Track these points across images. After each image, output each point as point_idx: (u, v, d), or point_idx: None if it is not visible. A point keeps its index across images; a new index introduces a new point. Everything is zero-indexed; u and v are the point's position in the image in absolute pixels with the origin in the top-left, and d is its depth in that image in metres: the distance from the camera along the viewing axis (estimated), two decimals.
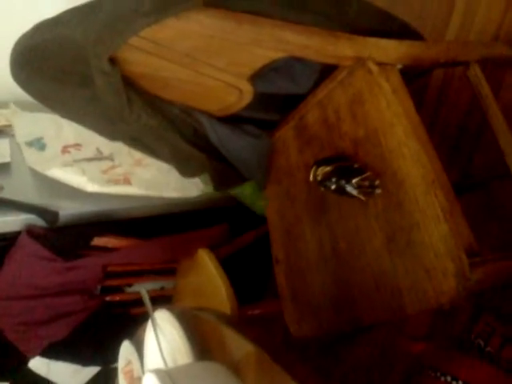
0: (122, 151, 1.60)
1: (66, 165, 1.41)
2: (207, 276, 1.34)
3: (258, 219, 1.32)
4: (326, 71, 1.02)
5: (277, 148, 1.19)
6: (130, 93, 0.93)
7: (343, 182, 0.90)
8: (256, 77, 0.99)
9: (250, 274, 1.62)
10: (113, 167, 1.52)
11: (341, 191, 0.91)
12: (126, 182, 1.42)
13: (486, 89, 1.10)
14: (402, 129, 0.87)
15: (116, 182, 1.40)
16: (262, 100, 1.08)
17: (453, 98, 1.48)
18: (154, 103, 0.99)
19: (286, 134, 1.16)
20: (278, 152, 1.19)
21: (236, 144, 1.11)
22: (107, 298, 1.39)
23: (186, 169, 1.19)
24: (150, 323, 0.79)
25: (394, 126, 0.87)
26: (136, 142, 1.08)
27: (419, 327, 1.42)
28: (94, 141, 1.58)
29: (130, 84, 0.94)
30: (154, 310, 0.82)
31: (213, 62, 0.93)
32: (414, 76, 1.26)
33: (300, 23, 0.89)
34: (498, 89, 1.36)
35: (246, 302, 1.32)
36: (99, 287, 1.38)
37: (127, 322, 1.32)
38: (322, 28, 0.91)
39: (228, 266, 1.35)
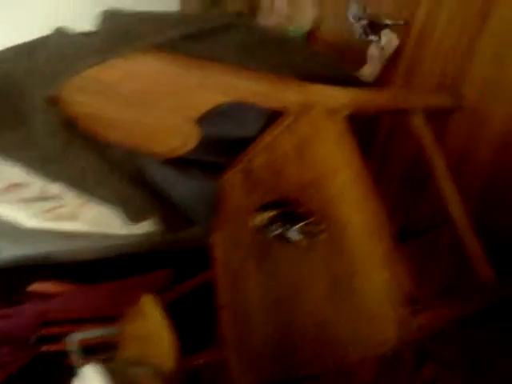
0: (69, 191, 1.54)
1: (5, 202, 1.35)
2: (151, 324, 1.29)
3: (204, 263, 1.29)
4: (274, 115, 1.02)
5: (224, 191, 1.18)
6: (69, 134, 0.90)
7: (287, 227, 0.89)
8: (203, 120, 0.98)
9: (195, 320, 1.57)
10: (58, 207, 1.47)
11: (284, 237, 0.90)
12: (70, 218, 1.37)
13: (428, 137, 1.13)
14: (345, 175, 0.87)
15: (59, 219, 1.34)
16: (210, 143, 1.07)
17: (401, 142, 1.51)
18: (95, 144, 0.97)
19: (234, 177, 1.15)
20: (226, 195, 1.18)
21: (181, 187, 1.08)
22: (42, 349, 1.31)
23: (131, 213, 1.15)
24: (77, 378, 0.74)
25: (338, 172, 0.87)
26: (76, 183, 1.05)
27: (366, 374, 1.39)
28: (39, 180, 1.52)
29: (70, 124, 0.92)
30: (88, 361, 0.77)
31: (159, 104, 0.92)
32: (361, 122, 1.29)
33: (249, 69, 0.90)
34: (442, 136, 1.40)
35: (192, 348, 1.27)
36: (35, 337, 1.30)
37: (64, 373, 1.24)
38: (271, 74, 0.92)
39: (174, 311, 1.30)
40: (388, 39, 1.38)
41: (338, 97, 0.95)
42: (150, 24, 0.82)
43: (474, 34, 1.31)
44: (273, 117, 1.03)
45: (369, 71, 1.41)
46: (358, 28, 1.41)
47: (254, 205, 1.07)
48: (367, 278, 0.78)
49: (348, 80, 1.10)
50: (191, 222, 1.19)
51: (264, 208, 0.98)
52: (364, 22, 1.39)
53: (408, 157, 1.46)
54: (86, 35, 0.81)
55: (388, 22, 1.41)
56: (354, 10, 1.41)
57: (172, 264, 1.53)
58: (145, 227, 1.36)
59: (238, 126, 1.05)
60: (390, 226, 0.86)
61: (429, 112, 1.18)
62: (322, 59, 1.04)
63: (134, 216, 1.16)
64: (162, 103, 0.90)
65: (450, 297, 0.83)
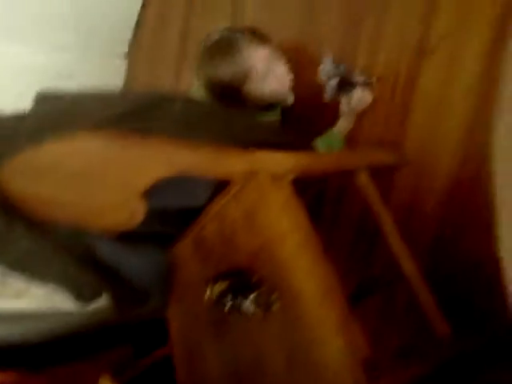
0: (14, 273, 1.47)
1: None
2: None
3: (163, 338, 1.24)
4: (222, 183, 1.03)
5: (177, 263, 1.15)
6: (10, 216, 0.87)
7: (240, 298, 0.87)
8: (148, 193, 0.97)
9: None
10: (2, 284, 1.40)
11: (238, 309, 0.88)
12: (16, 296, 1.30)
13: (374, 195, 1.15)
14: (293, 241, 0.87)
15: (3, 297, 1.27)
16: (158, 215, 1.05)
17: (351, 200, 1.54)
18: (38, 225, 0.94)
19: (186, 248, 1.13)
20: (179, 267, 1.15)
21: (132, 262, 1.06)
22: None
23: (81, 292, 1.10)
24: None
25: (287, 239, 0.87)
26: (21, 265, 1.00)
27: None
28: None
29: (11, 207, 0.89)
30: None
31: (102, 181, 0.90)
32: (310, 183, 1.31)
33: (191, 141, 0.90)
34: (389, 191, 1.44)
35: None
36: None
37: None
38: (213, 145, 0.93)
39: None
40: (359, 97, 1.37)
41: (282, 162, 0.96)
42: (87, 104, 0.82)
43: (409, 90, 1.38)
44: (220, 185, 1.03)
45: (342, 126, 1.42)
46: (329, 87, 1.37)
47: (207, 276, 1.05)
48: (323, 346, 0.76)
49: (294, 143, 1.12)
50: (145, 297, 1.15)
51: (215, 280, 0.97)
52: (335, 82, 1.35)
53: (359, 214, 1.48)
54: (21, 118, 0.80)
55: (360, 79, 1.38)
56: (327, 66, 1.36)
57: (130, 339, 1.46)
58: (97, 304, 1.31)
59: (185, 196, 1.04)
60: (343, 289, 0.86)
61: (373, 169, 1.22)
62: (266, 126, 1.06)
63: (85, 295, 1.12)
64: (105, 180, 0.89)
65: (408, 357, 0.82)
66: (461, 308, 1.29)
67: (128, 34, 2.42)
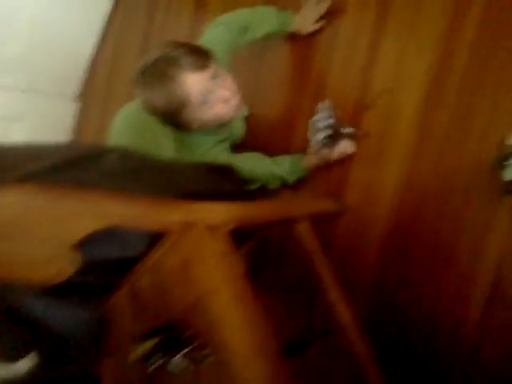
0: None
1: None
2: None
3: None
4: (159, 234, 1.01)
5: (111, 317, 1.11)
6: None
7: (171, 354, 0.84)
8: (81, 245, 0.94)
9: None
10: None
11: (169, 365, 0.85)
12: None
13: (313, 243, 1.16)
14: (227, 295, 0.85)
15: None
16: (92, 266, 1.02)
17: (294, 248, 1.54)
18: None
19: (121, 300, 1.09)
20: (112, 321, 1.11)
21: (60, 317, 1.01)
22: None
23: (6, 352, 1.04)
24: None
25: (220, 292, 0.86)
26: None
27: None
28: None
29: None
30: None
31: (30, 235, 0.87)
32: (250, 232, 1.30)
33: (126, 193, 0.88)
34: (329, 240, 1.45)
35: None
36: None
37: None
38: (149, 196, 0.92)
39: None
40: (344, 148, 1.36)
41: (219, 213, 0.96)
42: (16, 155, 0.80)
43: None
44: (159, 236, 1.01)
45: (312, 162, 1.41)
46: (315, 141, 1.33)
47: (140, 330, 1.02)
48: None
49: (234, 192, 1.12)
50: (75, 353, 1.10)
51: (147, 335, 0.93)
52: (322, 135, 1.31)
53: (302, 262, 1.48)
54: None
55: (349, 130, 1.36)
56: (322, 116, 1.32)
57: None
58: (24, 362, 1.24)
59: (120, 247, 1.01)
60: (278, 343, 0.85)
61: (314, 218, 1.23)
62: (205, 175, 1.06)
63: (12, 355, 1.06)
64: (34, 234, 0.86)
65: None
66: (401, 357, 1.30)
67: (81, 76, 2.41)
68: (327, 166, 1.44)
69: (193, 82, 1.15)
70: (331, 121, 1.30)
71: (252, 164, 1.40)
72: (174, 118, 1.22)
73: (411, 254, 1.35)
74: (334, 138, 1.32)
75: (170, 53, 1.16)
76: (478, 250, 1.24)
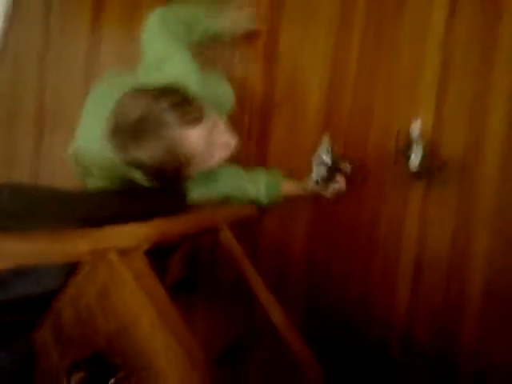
0: None
1: None
2: None
3: None
4: (73, 265, 0.97)
5: (38, 352, 1.07)
6: None
7: None
8: None
9: None
10: None
11: None
12: None
13: (237, 250, 1.16)
14: (148, 318, 0.84)
15: None
16: (11, 304, 0.98)
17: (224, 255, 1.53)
18: None
19: (44, 335, 1.05)
20: (40, 357, 1.07)
21: None
22: None
23: None
24: None
25: (141, 317, 0.84)
26: None
27: None
28: None
29: None
30: None
31: None
32: (172, 246, 1.28)
33: (25, 230, 0.85)
34: (257, 241, 1.46)
35: None
36: None
37: None
38: (52, 230, 0.88)
39: None
40: (338, 187, 1.30)
41: (129, 235, 0.93)
42: None
43: (263, 138, 1.42)
44: (74, 266, 0.98)
45: (295, 191, 1.36)
46: (317, 173, 1.25)
47: (69, 364, 0.99)
48: None
49: (151, 210, 1.09)
50: None
51: (74, 368, 0.91)
52: (324, 170, 1.23)
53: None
54: None
55: (347, 168, 1.30)
56: (323, 150, 1.23)
57: None
58: None
59: (35, 284, 0.97)
60: (207, 357, 0.84)
61: (235, 223, 1.23)
62: (115, 199, 1.03)
63: None
64: None
65: None
66: (337, 349, 1.33)
67: None
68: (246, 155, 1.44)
69: (193, 140, 1.00)
70: (327, 157, 1.23)
71: (225, 186, 1.30)
72: (171, 173, 1.04)
73: (335, 247, 1.38)
74: (330, 175, 1.26)
75: (157, 107, 0.98)
76: (397, 236, 1.29)
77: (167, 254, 1.31)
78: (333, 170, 1.24)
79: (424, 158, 1.15)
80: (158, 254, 1.20)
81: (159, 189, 1.13)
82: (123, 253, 0.91)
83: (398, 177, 1.27)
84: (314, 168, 1.22)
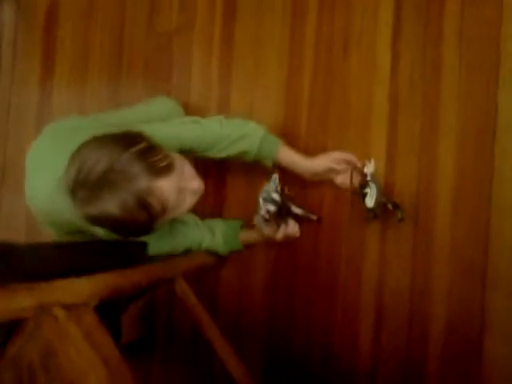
0: None
1: None
2: None
3: None
4: (15, 323, 0.91)
5: None
6: None
7: None
8: None
9: None
10: None
11: None
12: None
13: (194, 301, 1.12)
14: (96, 378, 0.78)
15: None
16: None
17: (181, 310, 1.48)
18: None
19: None
20: None
21: None
22: None
23: None
24: None
25: (88, 376, 0.78)
26: None
27: None
28: None
29: None
30: None
31: None
32: (126, 303, 1.23)
33: None
34: (213, 291, 1.42)
35: None
36: None
37: None
38: None
39: None
40: (291, 229, 1.27)
41: (76, 289, 0.88)
42: None
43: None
44: (16, 323, 0.91)
45: (252, 237, 1.32)
46: (263, 211, 1.17)
47: None
48: None
49: (99, 267, 1.04)
50: None
51: None
52: (273, 208, 1.17)
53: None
54: None
55: (300, 212, 1.28)
56: (271, 187, 1.17)
57: None
58: None
59: None
60: None
61: (191, 273, 1.19)
62: (58, 255, 0.98)
63: None
64: None
65: None
66: None
67: None
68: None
69: (166, 188, 0.95)
70: (276, 196, 1.17)
71: (184, 237, 1.27)
72: (145, 228, 1.00)
73: (296, 292, 1.36)
74: (280, 215, 1.21)
75: (124, 160, 0.92)
76: (357, 278, 1.28)
77: (120, 311, 1.25)
78: (283, 211, 1.20)
79: (379, 197, 1.16)
80: (110, 312, 1.15)
81: (116, 242, 1.08)
82: (69, 308, 0.86)
83: (354, 217, 1.28)
84: (262, 205, 1.16)
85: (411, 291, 1.24)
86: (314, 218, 1.31)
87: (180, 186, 0.99)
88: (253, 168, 1.35)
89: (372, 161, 1.19)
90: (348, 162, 1.25)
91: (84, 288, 0.89)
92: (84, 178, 0.90)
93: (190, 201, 1.04)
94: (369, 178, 1.18)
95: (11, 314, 0.86)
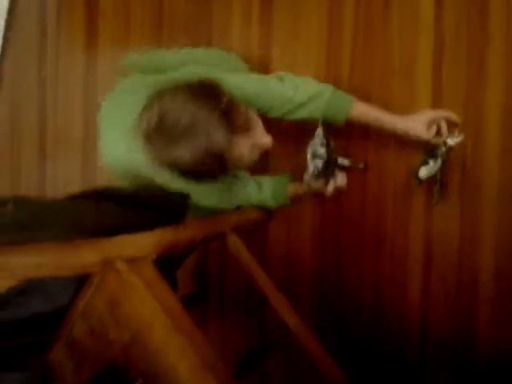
0: None
1: None
2: None
3: None
4: (83, 278, 0.96)
5: (53, 372, 1.05)
6: None
7: None
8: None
9: None
10: None
11: None
12: None
13: (246, 254, 1.15)
14: (161, 326, 0.83)
15: None
16: (19, 324, 0.97)
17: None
18: None
19: (59, 353, 1.04)
20: (56, 375, 1.05)
21: None
22: None
23: None
24: None
25: (153, 325, 0.83)
26: None
27: None
28: None
29: None
30: None
31: None
32: (180, 257, 1.27)
33: (31, 242, 0.84)
34: (263, 246, 1.45)
35: None
36: None
37: None
38: (58, 241, 0.87)
39: None
40: (340, 181, 1.26)
41: (137, 244, 0.93)
42: None
43: None
44: (82, 279, 0.97)
45: (299, 189, 1.31)
46: (313, 167, 1.17)
47: (83, 380, 0.98)
48: None
49: (158, 217, 1.08)
50: None
51: (91, 381, 0.89)
52: (320, 163, 1.16)
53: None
54: None
55: (346, 163, 1.26)
56: (317, 142, 1.15)
57: None
58: None
59: (45, 300, 0.96)
60: (225, 364, 0.83)
61: (241, 228, 1.22)
62: (119, 208, 1.02)
63: None
64: None
65: None
66: (355, 347, 1.30)
67: None
68: None
69: (240, 148, 0.99)
70: (322, 150, 1.16)
71: (236, 194, 1.29)
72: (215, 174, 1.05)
73: (343, 243, 1.37)
74: (327, 169, 1.19)
75: (208, 116, 0.95)
76: (405, 227, 1.28)
77: (176, 265, 1.30)
78: (330, 164, 1.19)
79: (435, 174, 1.14)
80: (166, 266, 1.19)
81: (162, 197, 1.12)
82: (131, 262, 0.90)
83: (400, 168, 1.27)
84: (310, 162, 1.16)
85: (460, 238, 1.23)
86: (362, 166, 1.30)
87: (254, 143, 1.03)
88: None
89: (460, 135, 1.14)
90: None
91: (144, 242, 0.93)
92: (164, 127, 0.94)
93: (257, 153, 1.07)
94: (444, 149, 1.13)
95: (78, 270, 0.91)
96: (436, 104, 1.23)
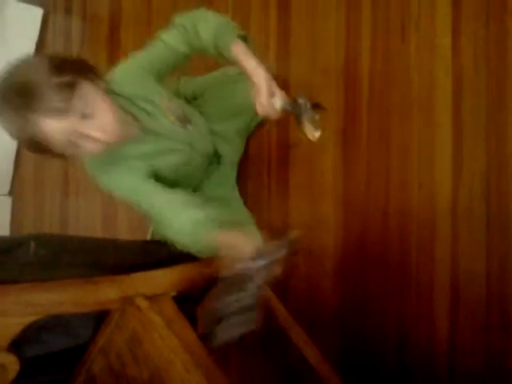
0: None
1: None
2: None
3: None
4: (103, 315, 0.97)
5: None
6: None
7: None
8: (21, 342, 0.89)
9: None
10: None
11: None
12: None
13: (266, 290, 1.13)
14: (181, 363, 0.82)
15: None
16: (40, 362, 0.96)
17: None
18: None
19: None
20: None
21: None
22: None
23: None
24: None
25: (173, 362, 0.83)
26: None
27: None
28: None
29: None
30: None
31: None
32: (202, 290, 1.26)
33: (54, 279, 0.85)
34: (287, 282, 1.43)
35: None
36: None
37: None
38: (79, 278, 0.88)
39: None
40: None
41: (159, 280, 0.93)
42: None
43: None
44: (102, 316, 0.97)
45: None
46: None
47: None
48: None
49: (175, 256, 1.08)
50: None
51: None
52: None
53: None
54: None
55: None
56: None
57: None
58: None
59: (65, 336, 0.97)
60: None
61: None
62: (138, 245, 1.03)
63: None
64: None
65: None
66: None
67: (10, 172, 2.36)
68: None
69: (52, 129, 0.90)
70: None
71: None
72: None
73: (367, 279, 1.35)
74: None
75: (31, 81, 0.88)
76: (431, 261, 1.25)
77: (195, 302, 1.30)
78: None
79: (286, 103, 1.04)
80: (186, 302, 1.19)
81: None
82: (150, 299, 0.90)
83: (423, 198, 1.26)
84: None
85: (487, 273, 1.20)
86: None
87: (75, 131, 0.92)
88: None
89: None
90: None
91: (163, 279, 0.94)
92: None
93: (88, 147, 0.96)
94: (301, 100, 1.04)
95: (97, 306, 0.92)
96: (457, 133, 1.23)
